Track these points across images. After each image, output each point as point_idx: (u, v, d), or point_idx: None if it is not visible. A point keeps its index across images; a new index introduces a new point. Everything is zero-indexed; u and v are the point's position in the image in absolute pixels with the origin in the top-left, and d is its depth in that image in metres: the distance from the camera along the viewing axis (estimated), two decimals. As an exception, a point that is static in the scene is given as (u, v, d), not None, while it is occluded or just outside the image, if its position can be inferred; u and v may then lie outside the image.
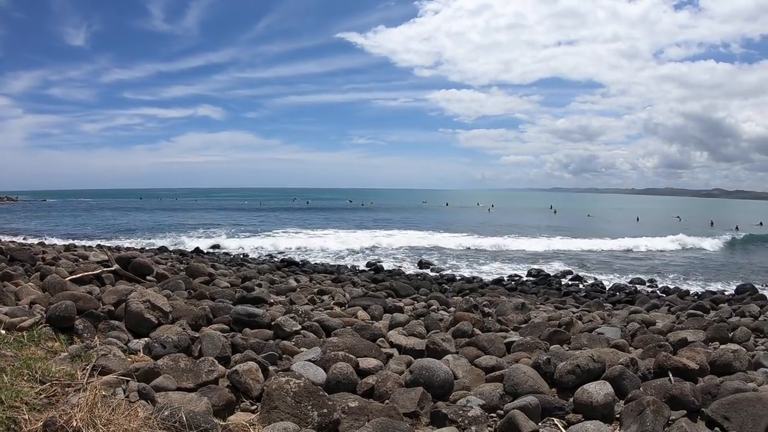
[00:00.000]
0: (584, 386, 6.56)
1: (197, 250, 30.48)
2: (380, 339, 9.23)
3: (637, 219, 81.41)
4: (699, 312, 15.85)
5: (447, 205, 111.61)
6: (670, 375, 7.16)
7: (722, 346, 10.65)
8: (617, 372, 7.02)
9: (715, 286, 25.12)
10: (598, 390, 6.41)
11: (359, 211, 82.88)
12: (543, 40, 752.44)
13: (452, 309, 13.78)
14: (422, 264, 28.95)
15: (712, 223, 73.01)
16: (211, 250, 31.88)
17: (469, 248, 36.82)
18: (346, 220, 62.32)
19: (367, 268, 26.35)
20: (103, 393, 4.96)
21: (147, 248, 31.23)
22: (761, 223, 73.63)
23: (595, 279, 25.99)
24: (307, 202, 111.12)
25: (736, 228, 63.79)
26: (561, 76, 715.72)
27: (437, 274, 25.41)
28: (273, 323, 9.19)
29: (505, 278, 24.93)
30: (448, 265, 29.13)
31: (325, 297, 14.71)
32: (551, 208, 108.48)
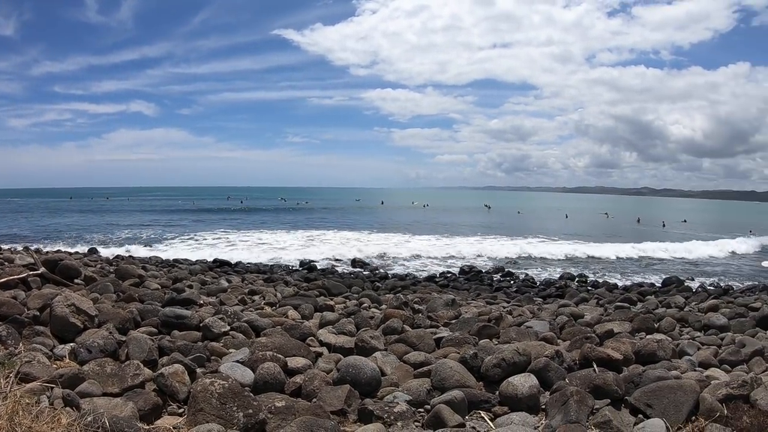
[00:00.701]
0: (509, 379, 6.73)
1: (128, 252, 29.90)
2: (310, 338, 9.25)
3: (566, 216, 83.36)
4: (626, 304, 16.41)
5: (382, 203, 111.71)
6: (595, 365, 7.38)
7: (648, 337, 11.04)
8: (542, 364, 7.19)
9: (643, 279, 25.85)
10: (523, 382, 6.58)
11: (294, 212, 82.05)
12: (478, 42, 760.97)
13: (384, 307, 13.86)
14: (356, 262, 28.97)
15: (638, 220, 76.44)
16: (143, 252, 31.25)
17: (403, 246, 36.82)
18: (281, 221, 61.58)
19: (300, 268, 26.20)
20: (26, 401, 4.86)
21: (76, 250, 30.43)
22: (685, 220, 78.81)
23: (526, 274, 26.42)
24: (242, 201, 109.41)
25: (663, 225, 66.63)
26: (495, 77, 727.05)
27: (370, 272, 25.47)
28: (201, 325, 9.12)
29: (438, 275, 25.16)
30: (381, 264, 29.25)
31: (256, 297, 14.58)
32: (486, 206, 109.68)
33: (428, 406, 6.33)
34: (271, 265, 26.67)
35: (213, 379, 5.58)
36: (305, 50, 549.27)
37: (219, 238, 39.61)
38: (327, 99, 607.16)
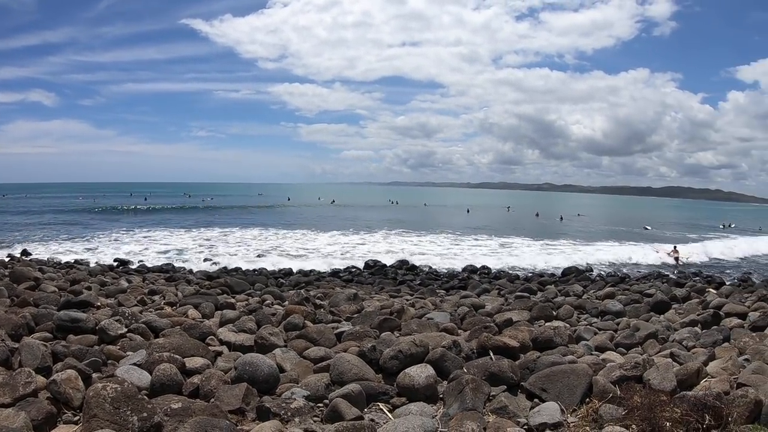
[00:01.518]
0: (406, 370, 6.89)
1: (24, 253, 28.70)
2: (210, 337, 9.21)
3: (468, 211, 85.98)
4: (526, 294, 16.92)
5: (289, 200, 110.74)
6: (491, 354, 7.55)
7: (547, 324, 11.36)
8: (438, 354, 7.36)
9: (543, 270, 26.58)
10: (420, 373, 6.73)
11: (199, 209, 79.82)
12: (388, 39, 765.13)
13: (286, 303, 13.80)
14: (261, 259, 28.69)
15: (537, 214, 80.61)
16: (40, 253, 30.11)
17: (309, 243, 36.78)
18: (185, 218, 59.58)
19: (203, 266, 25.75)
20: None
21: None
22: (579, 214, 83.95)
23: (430, 267, 26.72)
24: (145, 198, 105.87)
25: (561, 218, 69.87)
26: (403, 75, 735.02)
27: (275, 268, 25.25)
28: (98, 327, 8.91)
29: (342, 270, 25.16)
30: (287, 260, 28.96)
31: (156, 297, 14.41)
32: (392, 202, 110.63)
33: (327, 401, 6.37)
34: (173, 265, 26.05)
35: (105, 384, 5.46)
36: (213, 41, 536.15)
37: (121, 237, 38.22)
38: (234, 92, 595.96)
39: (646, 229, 60.30)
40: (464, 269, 26.70)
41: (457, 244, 38.04)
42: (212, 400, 6.16)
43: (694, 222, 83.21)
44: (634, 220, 75.76)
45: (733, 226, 72.96)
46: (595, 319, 13.53)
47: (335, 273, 24.18)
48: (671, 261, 32.78)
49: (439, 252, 34.01)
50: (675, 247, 35.42)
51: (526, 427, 5.70)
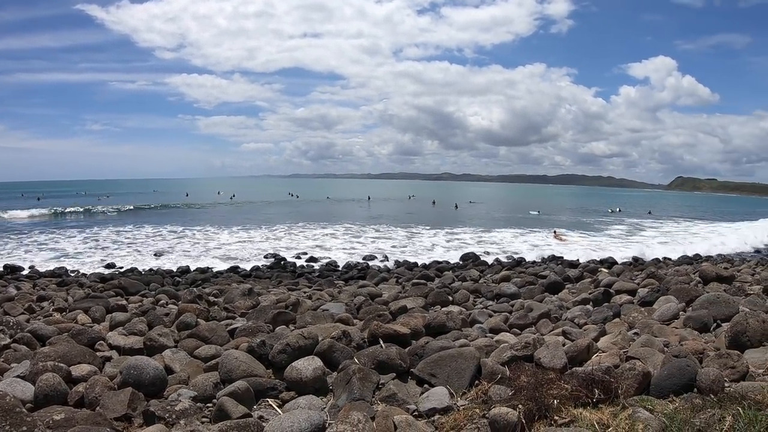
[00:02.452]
0: (293, 363, 6.95)
1: None
2: (99, 342, 8.98)
3: (369, 198, 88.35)
4: (423, 281, 17.04)
5: (187, 195, 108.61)
6: (381, 342, 7.61)
7: (442, 309, 11.48)
8: (326, 346, 7.44)
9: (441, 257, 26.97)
10: (307, 365, 6.77)
11: (95, 211, 77.90)
12: (290, 30, 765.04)
13: (182, 302, 13.56)
14: (158, 257, 28.38)
15: (434, 203, 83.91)
16: None
17: (209, 241, 36.22)
18: (80, 218, 58.04)
19: (98, 268, 24.97)
20: None
21: None
22: (471, 202, 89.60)
23: (330, 259, 26.73)
24: (38, 198, 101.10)
25: (456, 206, 72.29)
26: (304, 66, 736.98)
27: (172, 267, 24.79)
28: (-21, 340, 8.55)
29: (240, 266, 24.88)
30: (185, 258, 28.44)
31: (45, 303, 13.94)
32: (293, 195, 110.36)
33: (216, 401, 6.26)
34: (67, 268, 25.16)
35: (-24, 400, 5.22)
36: (109, 29, 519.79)
37: (11, 241, 36.49)
38: (130, 83, 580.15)
39: (532, 213, 63.43)
40: (364, 258, 26.92)
41: (358, 236, 38.30)
42: (98, 408, 5.99)
43: (585, 207, 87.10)
44: (528, 206, 78.89)
45: (619, 210, 77.36)
46: (491, 302, 13.91)
47: (233, 269, 23.95)
48: (557, 242, 34.21)
49: (339, 244, 34.12)
50: (555, 231, 37.53)
51: (416, 413, 5.81)
